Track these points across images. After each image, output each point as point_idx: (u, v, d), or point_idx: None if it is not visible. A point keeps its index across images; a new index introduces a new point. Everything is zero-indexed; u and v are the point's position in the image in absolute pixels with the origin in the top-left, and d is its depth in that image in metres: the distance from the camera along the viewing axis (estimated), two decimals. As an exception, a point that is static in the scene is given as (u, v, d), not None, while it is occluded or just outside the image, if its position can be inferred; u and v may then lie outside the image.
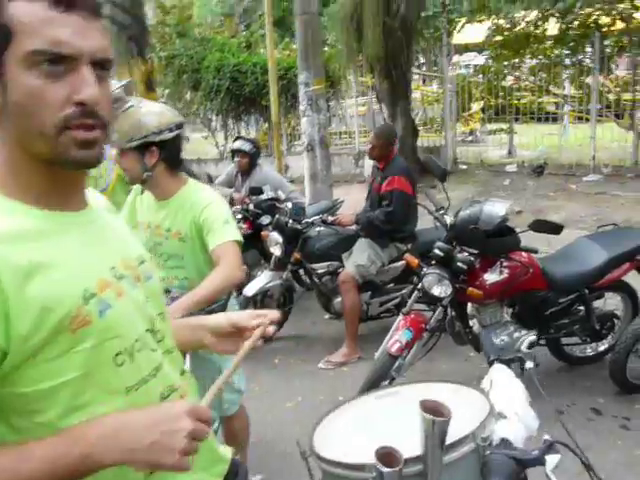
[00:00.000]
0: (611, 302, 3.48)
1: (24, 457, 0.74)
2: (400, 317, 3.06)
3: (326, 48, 12.97)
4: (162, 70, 12.76)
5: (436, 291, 2.85)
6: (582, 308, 3.22)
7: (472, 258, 2.81)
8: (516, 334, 3.11)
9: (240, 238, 2.08)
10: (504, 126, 11.65)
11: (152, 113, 2.01)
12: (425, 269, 2.87)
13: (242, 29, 17.89)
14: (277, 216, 4.08)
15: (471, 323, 3.15)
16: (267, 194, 4.56)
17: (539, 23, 8.25)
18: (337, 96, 11.77)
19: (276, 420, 3.22)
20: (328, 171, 7.03)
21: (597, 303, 3.39)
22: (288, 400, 3.43)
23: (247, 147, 4.72)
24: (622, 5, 8.21)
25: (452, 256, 2.80)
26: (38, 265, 0.78)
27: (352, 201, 5.88)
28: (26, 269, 0.77)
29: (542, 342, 3.29)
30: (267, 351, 4.15)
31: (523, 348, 3.08)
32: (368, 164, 10.02)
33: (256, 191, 4.53)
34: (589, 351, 3.48)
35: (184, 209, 2.08)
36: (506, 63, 10.36)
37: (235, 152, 4.76)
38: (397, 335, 2.89)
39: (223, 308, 2.21)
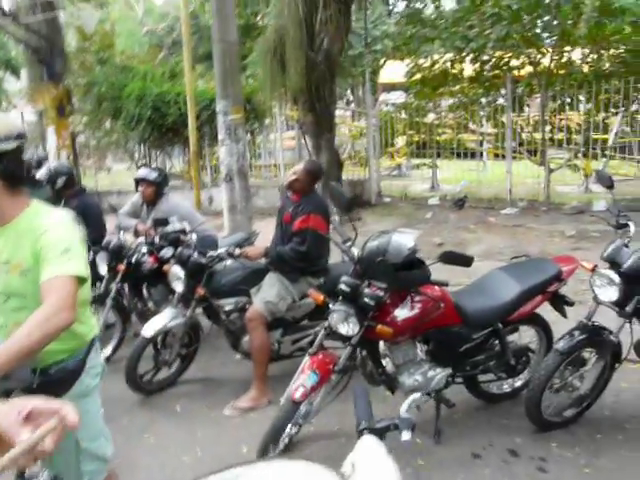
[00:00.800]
0: (526, 335, 3.40)
1: None
2: (307, 358, 2.81)
3: (251, 81, 12.94)
4: (81, 97, 12.22)
5: (343, 329, 2.64)
6: (497, 343, 3.11)
7: (381, 293, 2.62)
8: (430, 373, 2.95)
9: (82, 273, 1.69)
10: (427, 161, 11.94)
11: None
12: (332, 305, 2.65)
13: (170, 61, 17.59)
14: (180, 249, 3.77)
15: (384, 362, 2.95)
16: (173, 226, 4.25)
17: (455, 63, 8.51)
18: (265, 129, 11.67)
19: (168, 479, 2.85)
20: (248, 202, 6.79)
21: (512, 337, 3.30)
22: (185, 453, 3.06)
23: (152, 176, 4.41)
24: (530, 50, 8.66)
25: (359, 291, 2.60)
26: None
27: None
28: None
29: (459, 380, 3.15)
30: (168, 396, 3.79)
31: (435, 386, 2.93)
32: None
33: (161, 222, 4.22)
34: (506, 387, 3.37)
35: (25, 236, 1.73)
36: (427, 101, 10.66)
37: (139, 181, 4.43)
38: (301, 379, 2.64)
39: (79, 366, 1.87)
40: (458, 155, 11.55)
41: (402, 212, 9.45)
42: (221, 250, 3.66)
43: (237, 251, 3.62)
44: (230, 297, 3.76)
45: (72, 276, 1.66)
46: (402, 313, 2.69)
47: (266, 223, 9.94)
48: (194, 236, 3.84)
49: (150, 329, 3.60)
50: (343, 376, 2.88)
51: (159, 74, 12.25)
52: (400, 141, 12.97)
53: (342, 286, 2.64)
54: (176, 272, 3.67)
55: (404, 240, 2.61)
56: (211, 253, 3.65)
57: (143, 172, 4.45)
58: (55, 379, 1.82)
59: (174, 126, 11.34)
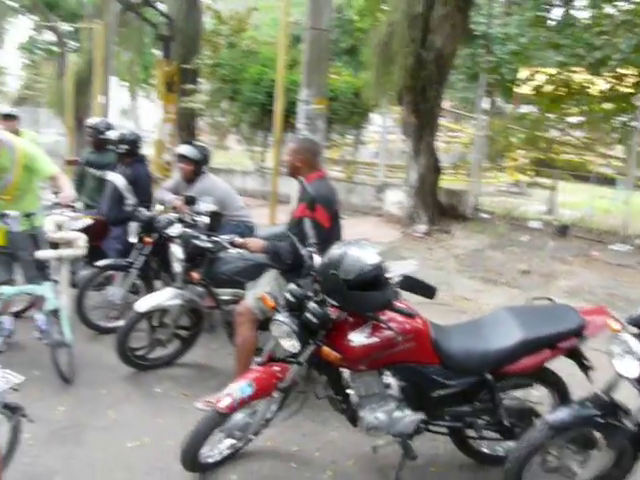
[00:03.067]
0: (537, 394, 2.83)
1: None
2: (253, 367, 2.55)
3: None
4: (207, 77, 12.83)
5: (286, 344, 2.34)
6: (488, 397, 2.60)
7: (328, 311, 2.28)
8: (397, 413, 2.54)
9: None
10: (544, 181, 10.88)
11: None
12: (277, 315, 2.36)
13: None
14: (185, 229, 3.68)
15: (348, 391, 2.60)
16: (205, 206, 4.18)
17: (578, 73, 7.55)
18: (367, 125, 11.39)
19: (96, 463, 2.77)
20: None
21: (517, 393, 2.76)
22: (133, 439, 2.96)
23: (192, 153, 4.37)
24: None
25: (304, 305, 2.29)
26: None
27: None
28: None
29: (441, 429, 2.70)
30: (155, 376, 3.73)
31: (402, 429, 2.52)
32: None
33: (190, 200, 4.16)
34: (499, 449, 2.82)
35: None
36: (550, 114, 9.64)
37: (180, 158, 4.42)
38: (232, 388, 2.39)
39: None
40: (585, 178, 10.36)
41: (496, 231, 8.66)
42: (225, 237, 3.50)
43: (238, 240, 3.43)
44: (228, 287, 3.60)
45: None
46: (357, 339, 2.32)
47: (357, 221, 9.75)
48: (205, 218, 3.71)
49: (144, 305, 3.55)
50: (294, 394, 2.58)
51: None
52: (518, 156, 11.96)
53: (287, 294, 2.34)
54: (175, 252, 3.59)
55: (364, 254, 2.23)
56: (213, 239, 3.50)
57: (184, 149, 4.42)
58: None
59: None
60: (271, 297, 2.91)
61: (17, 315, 4.29)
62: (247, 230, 4.51)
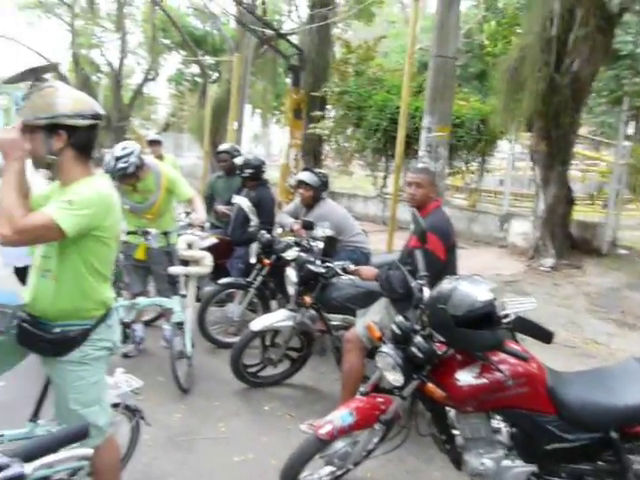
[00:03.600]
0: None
1: None
2: (357, 396, 2.53)
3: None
4: (333, 104, 13.26)
5: (390, 377, 2.30)
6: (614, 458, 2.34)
7: (435, 347, 2.20)
8: (505, 462, 2.37)
9: (65, 225, 1.80)
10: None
11: (69, 97, 1.93)
12: (383, 346, 2.33)
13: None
14: (300, 253, 3.78)
15: (454, 432, 2.48)
16: (322, 231, 4.28)
17: None
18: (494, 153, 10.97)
19: (205, 473, 2.90)
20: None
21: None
22: (239, 454, 3.07)
23: (311, 180, 4.51)
24: None
25: (411, 338, 2.23)
26: None
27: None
28: None
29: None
30: (264, 394, 3.85)
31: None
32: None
33: (308, 225, 4.29)
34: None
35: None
36: None
37: (300, 183, 4.58)
38: (334, 415, 2.39)
39: (82, 335, 2.00)
40: None
41: (636, 268, 7.86)
42: (338, 263, 3.55)
43: (351, 267, 3.46)
44: (339, 313, 3.64)
45: (53, 220, 1.80)
46: (464, 378, 2.21)
47: (478, 252, 9.39)
48: (319, 244, 3.80)
49: (258, 324, 3.71)
50: (397, 428, 2.52)
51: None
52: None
53: (393, 326, 2.30)
54: (290, 276, 3.70)
55: (476, 290, 2.13)
56: (327, 265, 3.57)
57: (304, 175, 4.58)
58: (54, 339, 1.99)
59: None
60: (379, 327, 2.89)
61: (147, 324, 4.69)
62: (362, 256, 4.54)
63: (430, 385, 2.24)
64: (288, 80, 23.64)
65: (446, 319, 2.14)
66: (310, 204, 4.58)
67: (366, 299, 3.52)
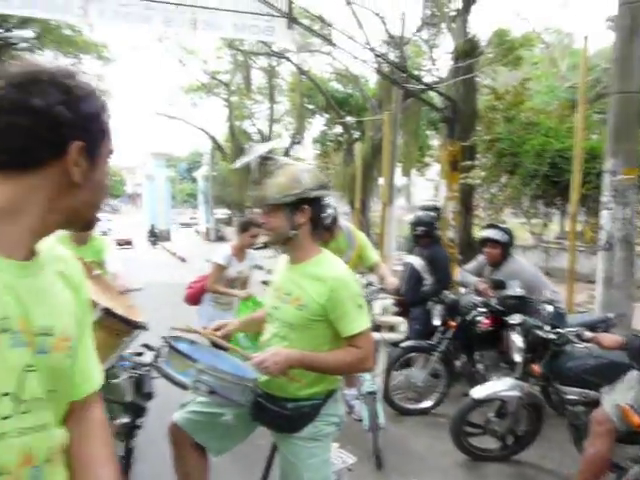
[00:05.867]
0: None
1: None
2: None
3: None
4: (483, 152, 12.88)
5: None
6: None
7: None
8: None
9: (369, 325, 1.96)
10: None
11: (306, 170, 1.98)
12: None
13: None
14: (526, 318, 3.47)
15: None
16: (514, 290, 3.98)
17: None
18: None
19: None
20: (629, 277, 5.75)
21: None
22: None
23: (499, 236, 4.24)
24: None
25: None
26: None
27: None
28: None
29: None
30: (479, 470, 3.51)
31: None
32: None
33: (498, 284, 4.01)
34: None
35: (307, 278, 1.95)
36: None
37: (485, 241, 4.32)
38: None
39: (314, 411, 1.94)
40: None
41: None
42: (570, 329, 3.18)
43: (588, 334, 3.06)
44: (576, 386, 3.22)
45: (365, 329, 1.92)
46: None
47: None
48: (549, 307, 3.46)
49: (480, 392, 3.45)
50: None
51: (564, 129, 11.78)
52: None
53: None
54: (516, 342, 3.42)
55: None
56: (559, 330, 3.22)
57: (490, 232, 4.33)
58: (289, 415, 1.94)
59: (569, 183, 10.70)
60: (635, 410, 2.49)
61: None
62: (558, 316, 4.10)
63: None
64: (429, 132, 23.74)
65: None
66: (498, 262, 4.29)
67: (609, 372, 3.07)
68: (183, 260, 17.59)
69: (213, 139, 27.18)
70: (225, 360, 2.09)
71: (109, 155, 1.03)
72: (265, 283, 3.98)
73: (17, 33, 18.71)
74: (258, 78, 25.58)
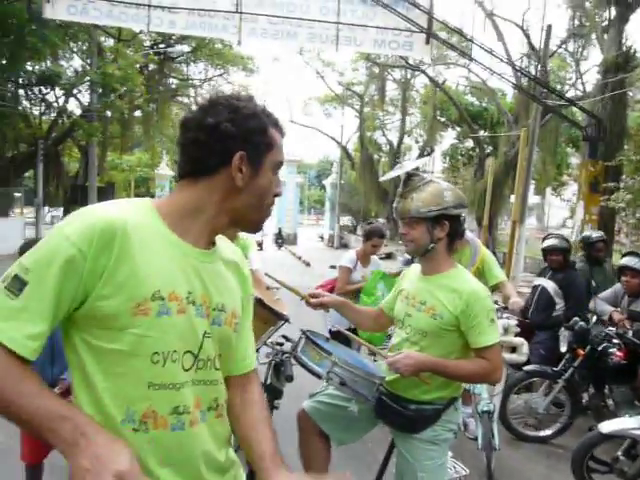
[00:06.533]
0: None
1: (34, 395, 0.93)
2: None
3: None
4: (631, 173, 11.90)
5: None
6: None
7: None
8: None
9: (498, 339, 2.04)
10: None
11: (449, 189, 2.11)
12: None
13: None
14: None
15: None
16: (654, 324, 3.74)
17: None
18: None
19: None
20: None
21: None
22: None
23: (639, 265, 3.98)
24: None
25: None
26: (139, 262, 1.03)
27: None
28: (131, 259, 1.02)
29: None
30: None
31: None
32: None
33: (637, 317, 3.78)
34: None
35: (446, 290, 2.06)
36: None
37: (624, 269, 4.09)
38: None
39: (435, 415, 2.04)
40: None
41: None
42: None
43: None
44: None
45: (495, 343, 2.02)
46: None
47: None
48: None
49: (609, 427, 3.29)
50: None
51: None
52: None
53: None
54: None
55: None
56: None
57: (629, 260, 4.09)
58: (411, 415, 2.07)
59: None
60: None
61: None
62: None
63: None
64: (568, 150, 22.32)
65: None
66: (637, 292, 4.05)
67: None
68: (308, 264, 17.96)
69: (344, 148, 27.88)
70: (355, 358, 2.28)
71: (277, 165, 1.17)
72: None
73: (177, 48, 20.70)
74: (391, 90, 25.85)
